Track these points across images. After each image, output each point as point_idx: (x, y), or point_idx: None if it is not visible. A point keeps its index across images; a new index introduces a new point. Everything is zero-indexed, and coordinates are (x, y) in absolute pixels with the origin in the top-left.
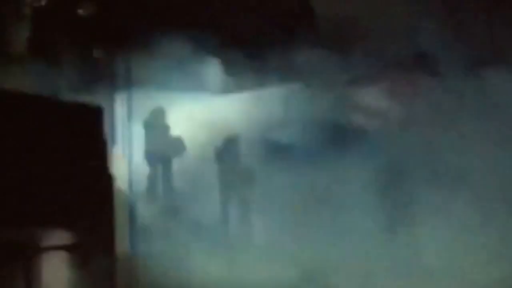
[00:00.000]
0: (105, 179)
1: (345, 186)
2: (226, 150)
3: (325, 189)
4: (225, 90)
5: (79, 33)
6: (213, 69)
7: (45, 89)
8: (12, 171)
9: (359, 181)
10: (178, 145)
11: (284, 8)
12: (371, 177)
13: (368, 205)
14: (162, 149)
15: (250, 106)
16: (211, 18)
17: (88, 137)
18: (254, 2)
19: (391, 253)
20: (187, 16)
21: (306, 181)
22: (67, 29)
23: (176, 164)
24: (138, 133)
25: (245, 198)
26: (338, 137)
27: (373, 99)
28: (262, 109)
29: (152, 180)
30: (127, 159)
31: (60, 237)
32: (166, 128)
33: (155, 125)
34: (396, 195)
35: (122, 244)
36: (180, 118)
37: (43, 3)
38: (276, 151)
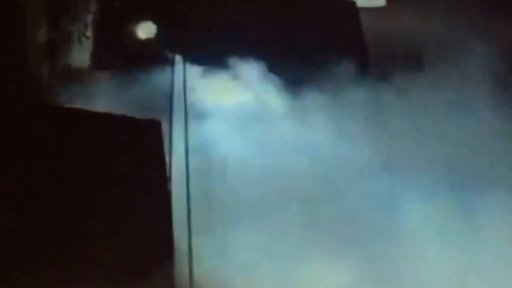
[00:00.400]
0: (163, 196)
1: None
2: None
3: None
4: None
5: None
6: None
7: (106, 106)
8: (67, 189)
9: None
10: None
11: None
12: None
13: None
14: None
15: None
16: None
17: (145, 153)
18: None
19: None
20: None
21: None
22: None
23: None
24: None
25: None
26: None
27: None
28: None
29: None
30: (185, 174)
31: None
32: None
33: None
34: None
35: (180, 256)
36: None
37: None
38: None
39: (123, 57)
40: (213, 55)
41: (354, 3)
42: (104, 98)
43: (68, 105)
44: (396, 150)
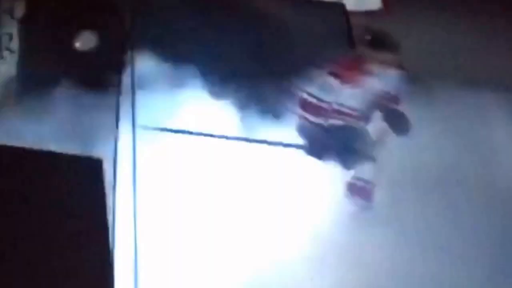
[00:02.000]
0: (103, 236)
1: None
2: None
3: None
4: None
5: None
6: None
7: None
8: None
9: None
10: None
11: None
12: None
13: None
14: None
15: None
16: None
17: (85, 191)
18: None
19: None
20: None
21: None
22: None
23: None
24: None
25: None
26: None
27: None
28: None
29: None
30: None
31: None
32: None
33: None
34: None
35: None
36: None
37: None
38: None
39: (57, 75)
40: (169, 71)
41: (343, 6)
42: (33, 127)
43: None
44: None
